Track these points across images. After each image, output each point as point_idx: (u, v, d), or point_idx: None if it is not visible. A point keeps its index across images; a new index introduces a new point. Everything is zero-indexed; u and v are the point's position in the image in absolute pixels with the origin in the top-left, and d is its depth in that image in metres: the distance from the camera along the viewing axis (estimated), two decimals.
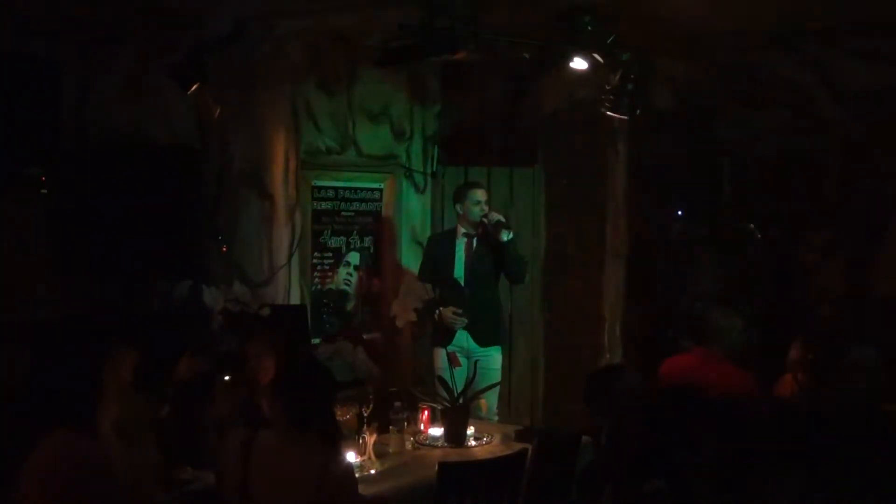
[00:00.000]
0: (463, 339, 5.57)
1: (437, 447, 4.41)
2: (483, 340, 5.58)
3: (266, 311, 5.26)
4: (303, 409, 3.19)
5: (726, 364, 4.72)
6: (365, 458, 4.06)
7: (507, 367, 6.62)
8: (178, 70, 4.93)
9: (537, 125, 6.71)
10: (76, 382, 3.31)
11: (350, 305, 6.34)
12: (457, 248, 5.64)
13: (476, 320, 5.54)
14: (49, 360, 3.65)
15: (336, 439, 3.28)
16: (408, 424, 4.46)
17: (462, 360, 5.45)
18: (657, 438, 3.81)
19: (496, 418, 5.45)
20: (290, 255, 5.88)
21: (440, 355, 5.55)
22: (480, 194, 5.60)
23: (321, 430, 3.18)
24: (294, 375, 3.38)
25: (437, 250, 5.74)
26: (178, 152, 5.17)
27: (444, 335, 5.56)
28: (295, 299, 5.89)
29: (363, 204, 6.47)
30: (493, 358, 5.61)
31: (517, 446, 4.23)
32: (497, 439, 4.54)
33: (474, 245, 5.61)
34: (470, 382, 4.74)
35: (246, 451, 3.20)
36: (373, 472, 3.97)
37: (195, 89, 4.95)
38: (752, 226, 6.04)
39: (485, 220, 5.53)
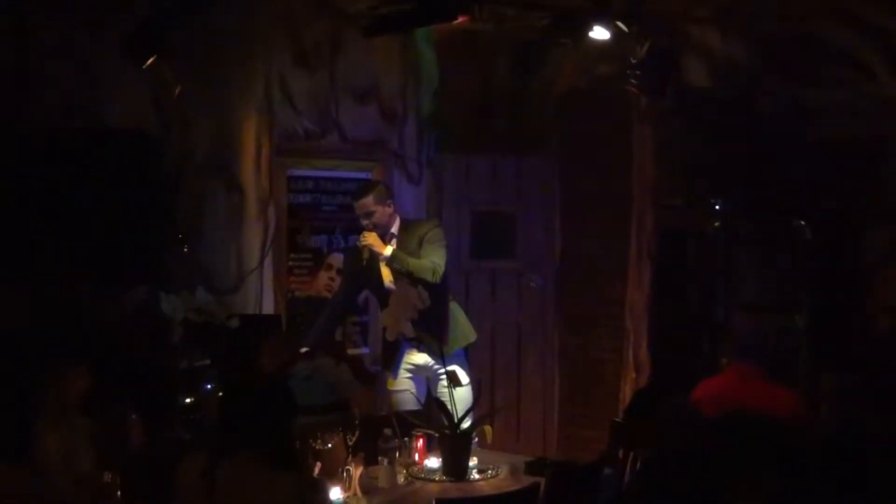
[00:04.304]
0: (414, 355, 5.53)
1: (433, 481, 4.40)
2: (438, 349, 5.48)
3: (234, 322, 5.28)
4: (253, 432, 3.25)
5: (767, 382, 4.74)
6: (350, 493, 4.06)
7: (516, 389, 6.66)
8: (131, 41, 4.94)
9: (550, 106, 6.73)
10: (9, 407, 3.34)
11: None
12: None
13: (422, 328, 5.47)
14: None
15: (298, 464, 3.35)
16: (400, 454, 4.46)
17: (422, 378, 5.46)
18: (703, 472, 3.84)
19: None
20: (263, 257, 5.89)
21: (398, 383, 5.53)
22: (357, 206, 5.38)
23: (277, 454, 3.24)
24: (242, 394, 3.45)
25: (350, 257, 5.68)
26: (133, 137, 5.18)
27: (389, 353, 5.53)
28: (268, 308, 5.91)
29: (348, 197, 6.49)
30: (460, 371, 5.52)
31: (527, 480, 4.24)
32: (504, 471, 4.55)
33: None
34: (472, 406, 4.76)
35: (208, 481, 3.23)
36: None
37: (152, 63, 4.97)
38: (801, 223, 6.06)
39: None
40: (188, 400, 4.71)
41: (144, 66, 4.96)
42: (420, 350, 5.44)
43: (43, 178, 4.80)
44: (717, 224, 6.27)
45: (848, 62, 6.03)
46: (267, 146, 5.94)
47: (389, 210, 5.41)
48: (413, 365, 5.49)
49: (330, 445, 4.15)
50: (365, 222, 5.33)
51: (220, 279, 5.71)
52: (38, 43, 4.94)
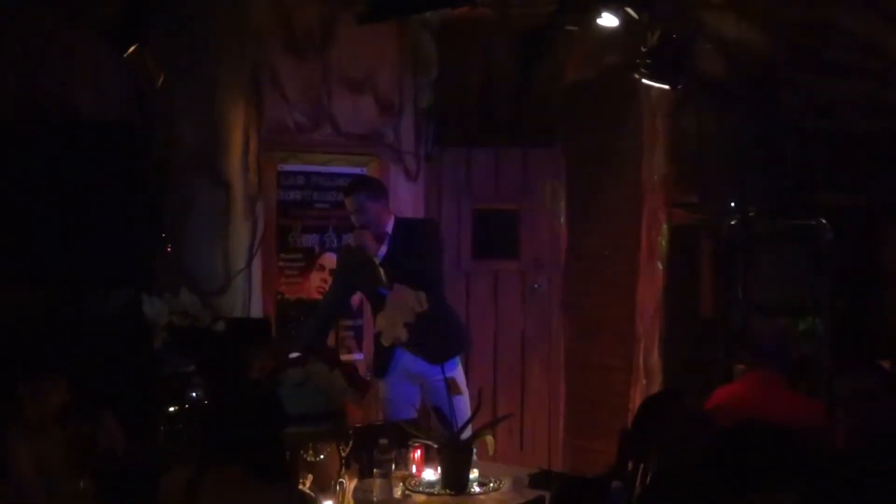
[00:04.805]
0: (409, 361, 5.51)
1: (432, 494, 4.39)
2: (435, 355, 5.48)
3: (220, 326, 5.27)
4: (241, 443, 3.24)
5: (787, 390, 4.73)
6: None
7: (519, 397, 6.65)
8: (111, 27, 4.93)
9: (557, 97, 6.72)
10: None
11: None
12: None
13: (417, 333, 5.46)
14: None
15: (288, 476, 3.34)
16: (396, 466, 4.44)
17: (416, 386, 5.46)
18: (716, 485, 3.83)
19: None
20: (251, 258, 5.88)
21: (387, 387, 5.53)
22: (348, 203, 5.43)
23: (265, 466, 3.23)
24: (228, 403, 3.44)
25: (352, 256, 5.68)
26: (113, 130, 5.17)
27: (382, 359, 5.52)
28: (256, 311, 5.90)
29: (341, 193, 6.48)
30: (460, 373, 5.49)
31: (531, 493, 4.24)
32: (506, 485, 4.54)
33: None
34: (475, 413, 4.75)
35: (193, 494, 3.23)
36: None
37: (133, 52, 4.96)
38: (822, 220, 6.05)
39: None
40: (172, 408, 4.69)
41: (125, 55, 4.94)
42: (416, 356, 5.43)
43: (18, 174, 4.79)
44: (732, 222, 6.26)
45: (870, 51, 6.02)
46: (255, 140, 5.92)
47: (383, 207, 5.40)
48: (409, 372, 5.47)
49: (322, 457, 4.15)
50: (356, 220, 5.32)
51: (206, 280, 5.69)
52: (11, 29, 4.93)
